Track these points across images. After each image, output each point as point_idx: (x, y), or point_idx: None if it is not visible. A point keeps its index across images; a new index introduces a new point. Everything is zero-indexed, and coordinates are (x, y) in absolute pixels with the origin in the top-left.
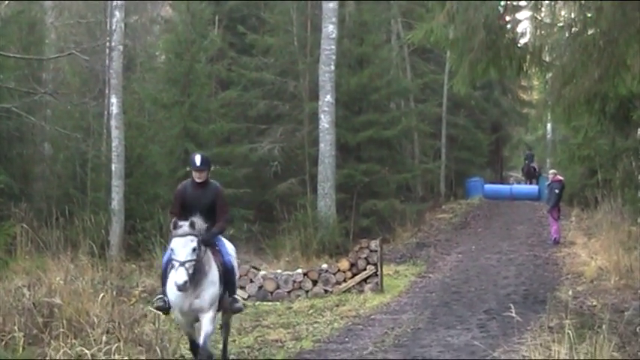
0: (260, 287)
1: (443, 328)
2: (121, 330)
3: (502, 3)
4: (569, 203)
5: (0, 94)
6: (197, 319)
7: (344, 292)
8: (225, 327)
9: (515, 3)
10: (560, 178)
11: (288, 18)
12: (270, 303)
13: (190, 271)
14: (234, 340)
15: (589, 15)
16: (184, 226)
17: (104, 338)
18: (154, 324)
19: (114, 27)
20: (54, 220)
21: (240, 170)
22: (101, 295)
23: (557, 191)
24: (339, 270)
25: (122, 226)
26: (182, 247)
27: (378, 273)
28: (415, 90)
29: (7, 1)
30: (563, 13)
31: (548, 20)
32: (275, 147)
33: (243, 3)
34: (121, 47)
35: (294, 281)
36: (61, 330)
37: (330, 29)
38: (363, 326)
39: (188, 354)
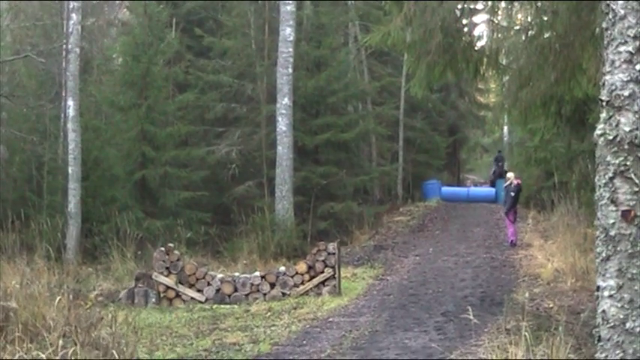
0: (217, 290)
1: (400, 331)
2: (77, 334)
3: (459, 6)
4: (525, 205)
5: None
6: None
7: (302, 294)
8: None
9: (472, 6)
10: (518, 181)
11: (246, 21)
12: (227, 306)
13: None
14: (191, 344)
15: (545, 18)
16: None
17: (60, 342)
18: (110, 327)
19: (70, 29)
20: (9, 223)
21: (198, 173)
22: (57, 298)
23: (512, 194)
24: (296, 273)
25: (79, 230)
26: None
27: (336, 276)
28: (372, 93)
29: None
30: (519, 16)
31: (504, 23)
32: (232, 150)
33: (201, 5)
34: (77, 50)
35: (252, 284)
36: (17, 334)
37: (287, 32)
38: (320, 329)
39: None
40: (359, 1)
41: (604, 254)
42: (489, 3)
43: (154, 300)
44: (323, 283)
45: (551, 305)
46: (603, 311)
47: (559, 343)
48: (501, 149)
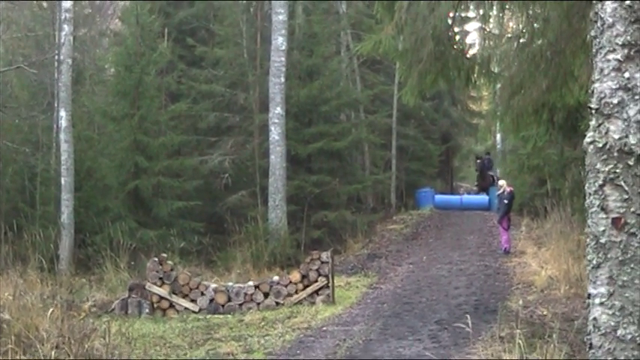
0: (211, 300)
1: (394, 339)
2: (70, 345)
3: (451, 14)
4: (519, 213)
5: None
6: None
7: (295, 304)
8: None
9: (463, 14)
10: (510, 188)
11: (238, 30)
12: (221, 316)
13: None
14: (185, 354)
15: (536, 26)
16: None
17: (54, 353)
18: (104, 338)
19: (62, 40)
20: (2, 234)
21: (191, 182)
22: (50, 309)
23: (506, 201)
24: (290, 282)
25: (72, 240)
26: None
27: (330, 284)
28: (365, 101)
29: None
30: (511, 24)
31: (496, 31)
32: (225, 159)
33: (193, 15)
34: (69, 60)
35: (246, 294)
36: (10, 346)
37: (279, 41)
38: (314, 338)
39: None
40: (351, 10)
41: (595, 262)
42: (481, 11)
43: (147, 310)
44: (317, 292)
45: (544, 312)
46: (594, 319)
47: (553, 351)
48: (489, 151)
